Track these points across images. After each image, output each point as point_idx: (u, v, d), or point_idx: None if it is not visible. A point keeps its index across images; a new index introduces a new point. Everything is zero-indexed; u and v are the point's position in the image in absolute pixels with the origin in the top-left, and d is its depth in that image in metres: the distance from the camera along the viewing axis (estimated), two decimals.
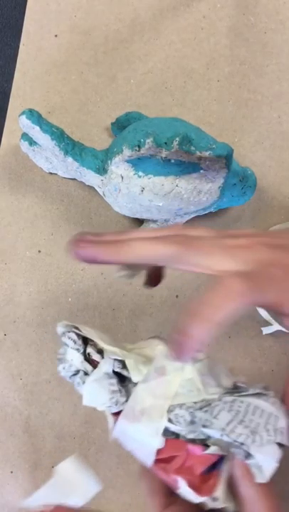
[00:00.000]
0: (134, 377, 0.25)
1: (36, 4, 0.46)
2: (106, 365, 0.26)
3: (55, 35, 0.46)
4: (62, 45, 0.46)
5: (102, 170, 0.40)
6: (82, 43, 0.46)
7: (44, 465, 0.44)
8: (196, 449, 0.24)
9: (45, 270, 0.45)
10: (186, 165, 0.36)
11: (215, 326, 0.20)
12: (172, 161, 0.36)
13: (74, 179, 0.45)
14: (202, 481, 0.23)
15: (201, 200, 0.39)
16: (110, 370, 0.25)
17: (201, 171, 0.37)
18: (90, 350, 0.26)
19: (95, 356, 0.26)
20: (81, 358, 0.26)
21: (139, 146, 0.35)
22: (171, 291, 0.45)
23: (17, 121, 0.39)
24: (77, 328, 0.27)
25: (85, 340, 0.27)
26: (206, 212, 0.42)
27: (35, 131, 0.38)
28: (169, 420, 0.24)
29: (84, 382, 0.26)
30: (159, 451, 0.24)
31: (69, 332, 0.27)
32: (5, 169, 0.45)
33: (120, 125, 0.43)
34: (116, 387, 0.25)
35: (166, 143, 0.34)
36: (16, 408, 0.44)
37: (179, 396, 0.24)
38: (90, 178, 0.41)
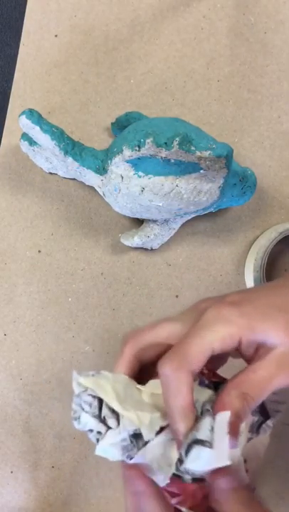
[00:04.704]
0: (146, 436, 0.25)
1: (36, 4, 0.46)
2: (121, 436, 0.25)
3: (55, 35, 0.46)
4: (62, 45, 0.46)
5: (102, 170, 0.40)
6: (82, 43, 0.46)
7: (44, 465, 0.44)
8: (198, 491, 0.24)
9: (45, 270, 0.45)
10: (186, 165, 0.36)
11: None
12: (172, 161, 0.36)
13: (74, 179, 0.45)
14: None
15: (201, 200, 0.39)
16: (125, 437, 0.25)
17: (201, 171, 0.37)
18: (105, 412, 0.26)
19: (110, 422, 0.26)
20: (96, 421, 0.26)
21: (139, 146, 0.35)
22: (171, 291, 0.45)
23: (17, 121, 0.39)
24: (92, 388, 0.26)
25: (101, 399, 0.26)
26: (206, 212, 0.42)
27: (35, 131, 0.38)
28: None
29: (98, 440, 0.26)
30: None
31: (84, 393, 0.26)
32: (5, 169, 0.45)
33: (120, 125, 0.43)
34: (127, 442, 0.25)
35: (166, 143, 0.34)
36: (16, 408, 0.44)
37: None
38: (90, 178, 0.41)
